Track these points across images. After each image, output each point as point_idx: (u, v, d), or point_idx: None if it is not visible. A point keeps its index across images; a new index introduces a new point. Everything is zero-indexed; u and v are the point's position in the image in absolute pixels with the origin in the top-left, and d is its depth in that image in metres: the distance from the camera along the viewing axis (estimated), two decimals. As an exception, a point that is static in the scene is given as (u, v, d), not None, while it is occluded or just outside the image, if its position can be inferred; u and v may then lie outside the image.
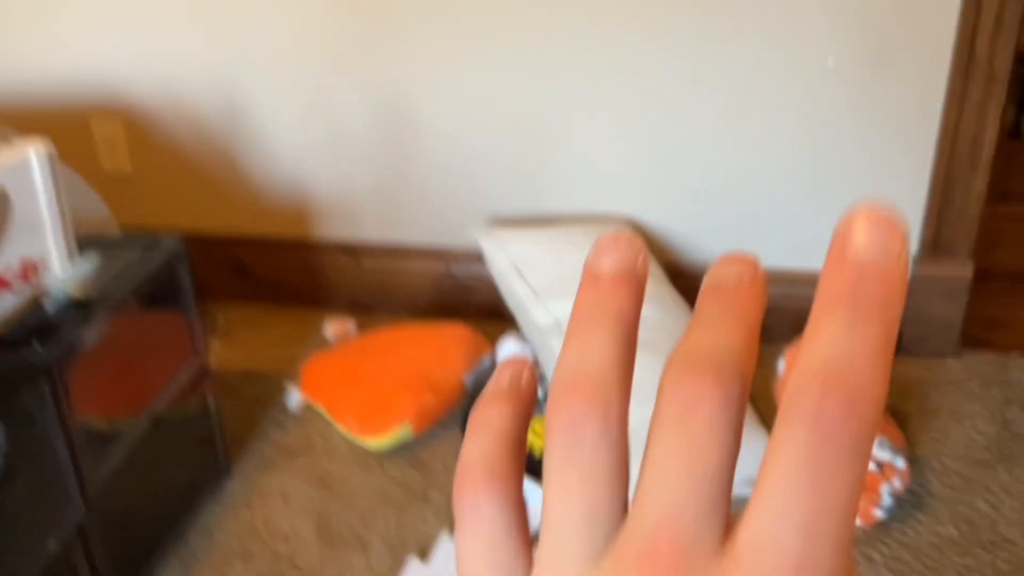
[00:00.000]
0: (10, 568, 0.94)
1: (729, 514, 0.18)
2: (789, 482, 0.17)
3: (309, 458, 1.38)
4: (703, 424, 0.18)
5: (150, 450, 1.18)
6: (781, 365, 1.36)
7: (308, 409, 1.46)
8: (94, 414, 1.08)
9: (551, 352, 1.37)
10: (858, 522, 1.18)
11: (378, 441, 1.35)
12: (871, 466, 1.16)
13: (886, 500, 1.16)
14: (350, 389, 1.42)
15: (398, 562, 1.19)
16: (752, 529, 0.18)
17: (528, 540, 0.20)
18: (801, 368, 0.18)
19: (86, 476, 1.04)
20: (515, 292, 1.46)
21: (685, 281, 1.58)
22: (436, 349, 1.48)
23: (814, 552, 0.17)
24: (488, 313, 1.63)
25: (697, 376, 0.18)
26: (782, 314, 1.60)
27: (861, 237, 0.18)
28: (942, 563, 1.16)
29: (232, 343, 1.66)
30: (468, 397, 1.45)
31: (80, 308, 1.07)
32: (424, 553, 1.20)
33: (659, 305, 1.38)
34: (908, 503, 1.24)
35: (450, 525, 1.24)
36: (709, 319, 0.20)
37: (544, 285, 1.44)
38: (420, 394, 1.39)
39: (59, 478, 1.00)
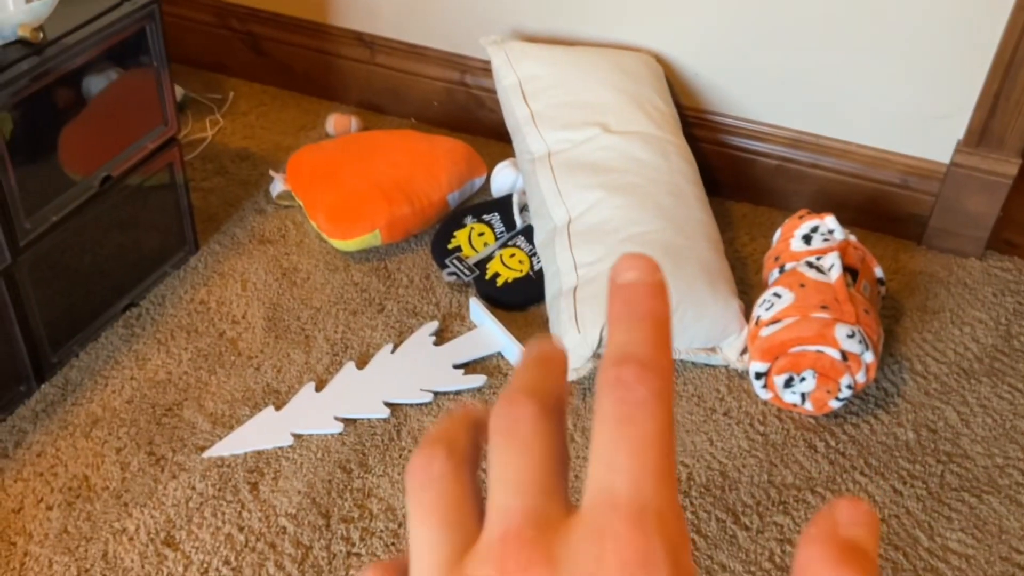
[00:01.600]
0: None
1: (568, 493, 0.22)
2: (607, 438, 0.21)
3: (279, 248, 1.36)
4: (524, 434, 0.22)
5: (103, 213, 1.16)
6: (776, 235, 1.26)
7: (289, 201, 1.43)
8: (37, 166, 1.05)
9: (537, 182, 1.29)
10: (810, 408, 1.12)
11: (345, 244, 1.32)
12: (835, 354, 1.08)
13: (844, 391, 1.10)
14: (328, 187, 1.37)
15: (336, 365, 1.18)
16: (591, 489, 0.21)
17: (479, 502, 0.23)
18: (603, 363, 0.22)
19: (15, 224, 1.03)
20: (515, 113, 1.37)
21: (702, 130, 1.46)
22: (426, 161, 1.41)
23: (641, 485, 0.21)
24: (498, 133, 1.54)
25: (628, 382, 0.22)
26: (803, 181, 1.48)
27: (624, 268, 0.23)
28: (887, 465, 1.10)
29: (235, 121, 1.62)
30: (448, 217, 1.39)
31: (29, 50, 1.02)
32: (363, 362, 1.18)
33: (661, 152, 1.28)
34: (873, 400, 1.17)
35: (396, 339, 1.22)
36: (627, 327, 0.23)
37: (544, 110, 1.34)
38: (396, 204, 1.34)
39: (-17, 221, 0.99)
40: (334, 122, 1.59)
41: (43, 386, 1.13)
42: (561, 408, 0.23)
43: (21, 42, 1.03)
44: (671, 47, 1.44)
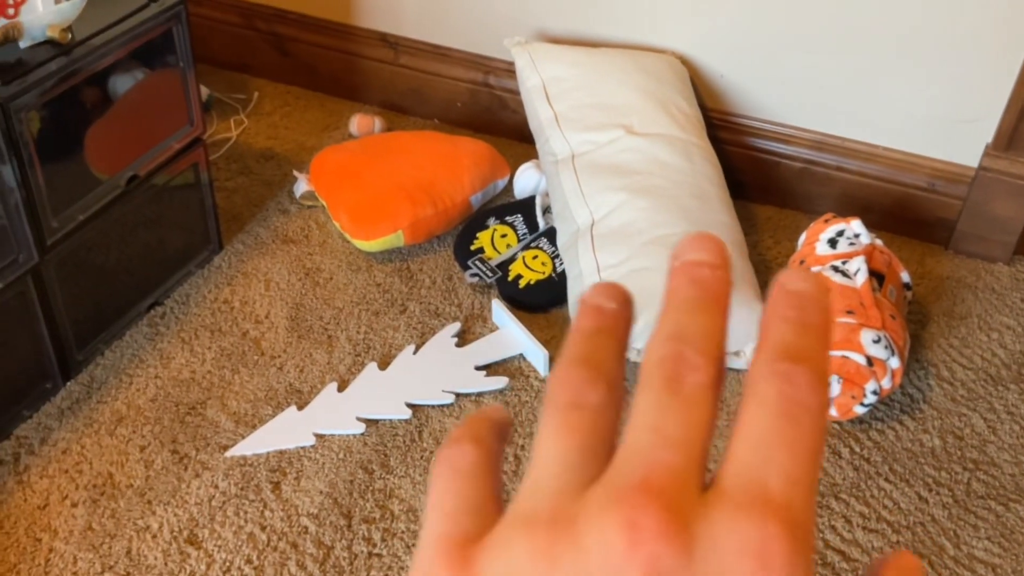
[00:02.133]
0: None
1: (706, 472, 0.20)
2: (765, 426, 0.20)
3: (302, 248, 1.36)
4: (690, 393, 0.21)
5: (129, 212, 1.17)
6: (801, 239, 1.25)
7: (312, 201, 1.44)
8: (64, 165, 1.06)
9: (560, 184, 1.29)
10: (835, 413, 1.11)
11: (368, 244, 1.32)
12: (860, 360, 1.07)
13: (869, 397, 1.08)
14: (351, 187, 1.37)
15: (358, 365, 1.18)
16: (738, 472, 0.20)
17: (500, 496, 0.22)
18: (764, 352, 0.22)
19: (43, 223, 1.04)
20: (538, 114, 1.37)
21: (727, 132, 1.45)
22: (449, 162, 1.41)
23: (793, 493, 0.20)
24: (521, 134, 1.54)
25: (684, 354, 0.21)
26: (828, 184, 1.47)
27: (789, 283, 0.23)
28: (912, 471, 1.08)
29: (260, 121, 1.62)
30: (470, 218, 1.39)
31: (57, 51, 1.03)
32: (386, 362, 1.19)
33: (685, 154, 1.27)
34: (899, 406, 1.16)
35: (418, 340, 1.22)
36: (690, 304, 0.22)
37: (568, 112, 1.34)
38: (419, 205, 1.34)
39: (12, 220, 1.00)
40: (357, 123, 1.59)
41: (68, 384, 1.14)
42: (723, 370, 0.22)
43: (50, 43, 1.03)
44: (696, 48, 1.43)
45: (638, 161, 1.24)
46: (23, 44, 1.02)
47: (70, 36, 1.04)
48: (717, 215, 1.21)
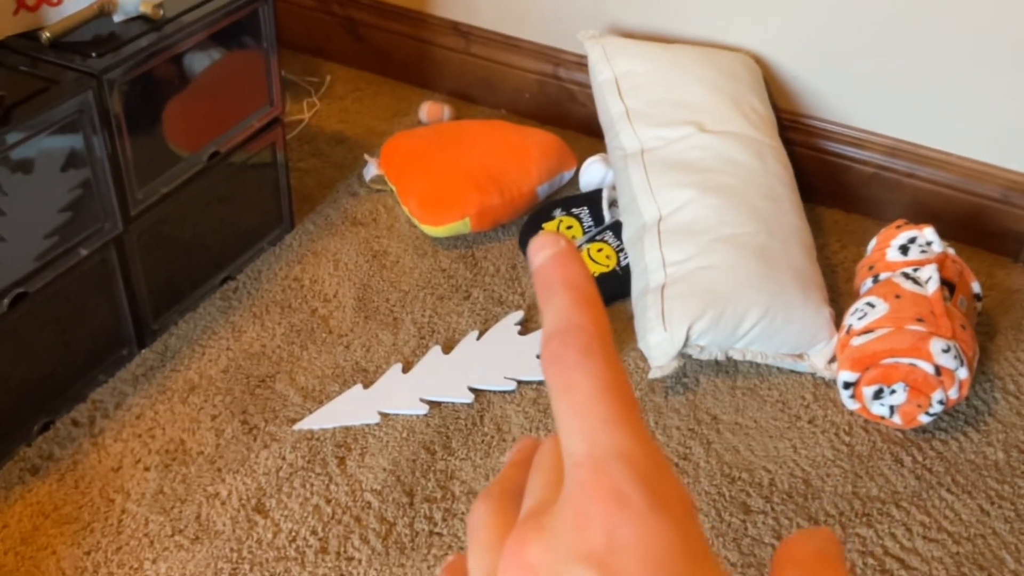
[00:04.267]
0: (43, 263, 0.99)
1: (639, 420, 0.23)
2: (558, 412, 0.23)
3: (370, 231, 1.39)
4: (577, 381, 0.23)
5: (207, 188, 1.20)
6: (871, 244, 1.24)
7: (381, 185, 1.46)
8: (150, 139, 1.09)
9: (628, 178, 1.29)
10: (899, 421, 1.11)
11: (434, 230, 1.34)
12: (928, 368, 1.06)
13: (935, 407, 1.08)
14: (421, 173, 1.39)
15: (422, 348, 1.20)
16: (567, 460, 0.22)
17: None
18: (541, 344, 0.24)
19: (129, 194, 1.07)
20: (609, 109, 1.37)
21: (798, 133, 1.45)
22: (518, 152, 1.43)
23: (595, 437, 0.22)
24: (588, 127, 1.55)
25: (557, 353, 0.23)
26: (899, 190, 1.45)
27: (533, 256, 0.25)
28: (975, 483, 1.08)
29: (332, 104, 1.65)
30: (537, 209, 1.40)
31: (149, 27, 1.06)
32: (449, 346, 1.20)
33: (757, 153, 1.27)
34: (963, 417, 1.15)
35: (481, 326, 1.24)
36: (549, 304, 0.24)
37: (641, 107, 1.34)
38: (487, 193, 1.35)
39: (99, 190, 1.03)
40: (427, 110, 1.61)
41: (144, 351, 1.17)
42: (598, 331, 0.24)
43: (142, 18, 1.07)
44: (770, 48, 1.43)
45: (709, 159, 1.25)
46: (117, 19, 1.05)
47: (162, 13, 1.07)
48: (787, 216, 1.21)
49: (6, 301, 0.96)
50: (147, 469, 1.04)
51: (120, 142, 1.03)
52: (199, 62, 1.14)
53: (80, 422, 1.08)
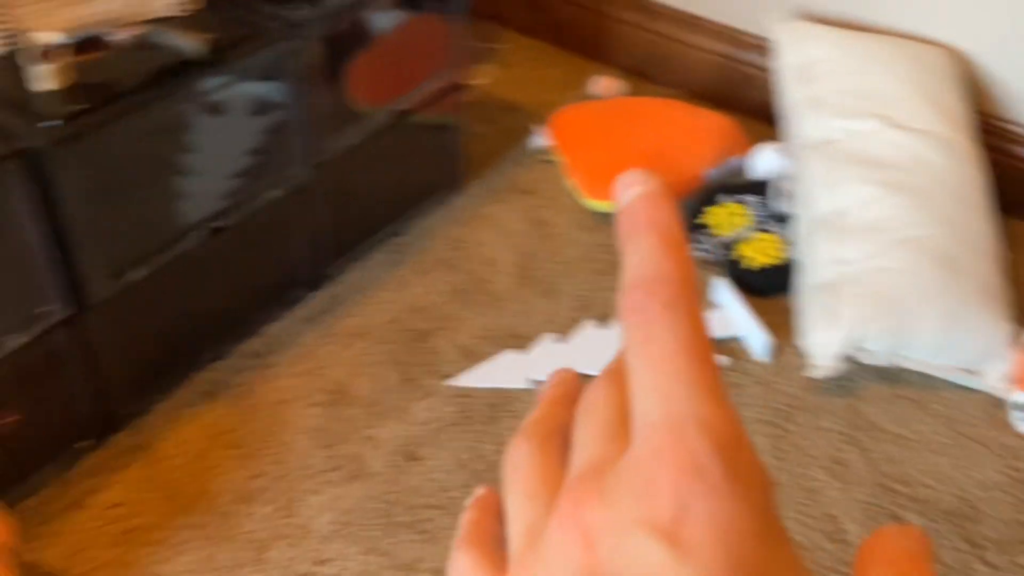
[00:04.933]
0: (237, 200, 1.05)
1: (723, 392, 0.21)
2: (634, 367, 0.21)
3: (534, 200, 1.40)
4: (659, 336, 0.21)
5: (386, 145, 1.24)
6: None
7: (547, 156, 1.47)
8: (339, 93, 1.14)
9: (805, 169, 1.26)
10: (1076, 452, 1.04)
11: (599, 204, 1.34)
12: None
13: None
14: (590, 146, 1.40)
15: (577, 320, 1.21)
16: (633, 422, 0.21)
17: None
18: (620, 293, 0.22)
19: (315, 145, 1.12)
20: (790, 95, 1.33)
21: (995, 138, 1.37)
22: (688, 134, 1.41)
23: (674, 398, 0.20)
24: (763, 113, 1.51)
25: (639, 303, 0.21)
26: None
27: (619, 192, 0.23)
28: None
29: (506, 72, 1.67)
30: (701, 192, 1.38)
31: (352, -14, 1.10)
32: (604, 322, 1.21)
33: (950, 154, 1.21)
34: None
35: (640, 304, 1.23)
36: (633, 247, 0.22)
37: (826, 96, 1.30)
38: (655, 172, 1.34)
39: (292, 138, 1.08)
40: (601, 84, 1.61)
41: (315, 294, 1.23)
42: (686, 287, 0.22)
43: (346, -24, 1.11)
44: (976, 44, 1.35)
45: (897, 155, 1.19)
46: (324, -25, 1.10)
47: (364, -28, 1.11)
48: (978, 224, 1.15)
49: (204, 233, 1.03)
50: (311, 406, 1.09)
51: (313, 94, 1.08)
52: (390, 22, 1.17)
53: (254, 354, 1.15)
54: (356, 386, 1.12)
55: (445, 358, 1.15)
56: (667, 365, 0.21)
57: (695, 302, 0.22)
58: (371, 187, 1.27)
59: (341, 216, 1.23)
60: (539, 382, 1.12)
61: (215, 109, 0.99)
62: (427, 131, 1.32)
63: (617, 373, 0.24)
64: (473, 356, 1.16)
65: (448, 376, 1.13)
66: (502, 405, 1.10)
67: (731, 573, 0.19)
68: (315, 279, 1.23)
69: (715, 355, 0.21)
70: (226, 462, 1.02)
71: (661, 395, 0.20)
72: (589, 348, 1.16)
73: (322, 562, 0.94)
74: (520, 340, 1.18)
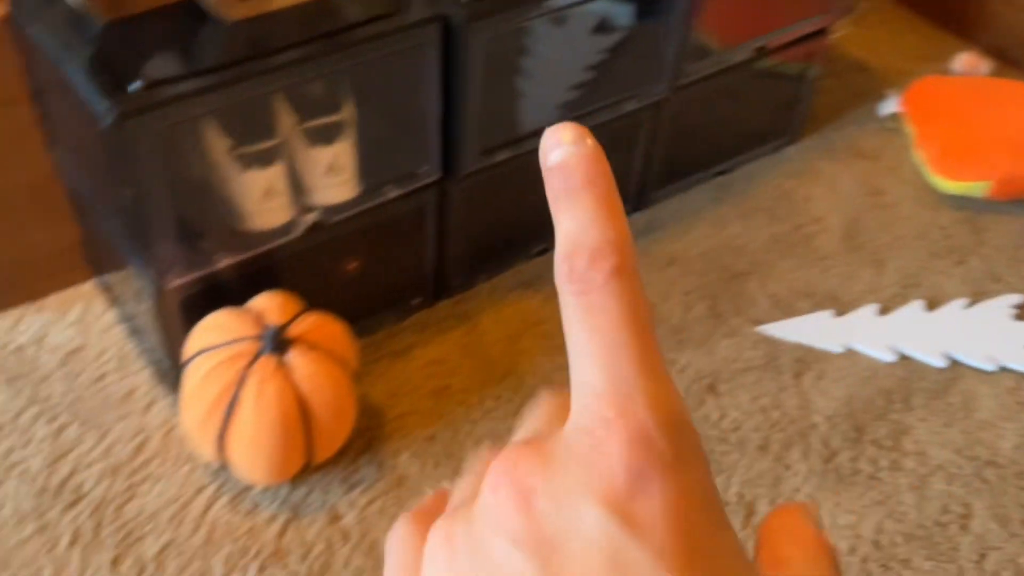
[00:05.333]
0: (599, 106, 1.08)
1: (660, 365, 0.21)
2: (578, 335, 0.20)
3: (872, 166, 1.34)
4: (598, 294, 0.20)
5: (737, 81, 1.23)
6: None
7: (895, 124, 1.39)
8: (704, 24, 1.13)
9: None
10: None
11: (947, 184, 1.26)
12: None
13: None
14: (948, 122, 1.31)
15: (901, 297, 1.16)
16: (573, 388, 0.20)
17: None
18: (556, 257, 0.21)
19: (679, 67, 1.12)
20: None
21: None
22: (1066, 127, 1.28)
23: (619, 369, 0.19)
24: None
25: (581, 271, 0.20)
26: None
27: (549, 147, 0.21)
28: None
29: (861, 32, 1.59)
30: (1070, 192, 1.26)
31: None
32: (932, 305, 1.14)
33: None
34: None
35: (971, 297, 1.16)
36: (569, 208, 0.21)
37: None
38: (1017, 163, 1.24)
39: (663, 52, 1.09)
40: (964, 61, 1.50)
41: (636, 214, 1.25)
42: (625, 255, 0.21)
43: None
44: None
45: None
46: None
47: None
48: None
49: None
50: (619, 318, 1.12)
51: (685, 27, 1.08)
52: (780, -45, 1.14)
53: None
54: (665, 309, 1.13)
55: (755, 303, 1.14)
56: (612, 336, 0.20)
57: (637, 272, 0.21)
58: (711, 121, 1.26)
59: (677, 143, 1.23)
60: (853, 350, 1.09)
61: (601, 16, 1.01)
62: (777, 76, 1.29)
63: (559, 395, 0.24)
64: (785, 307, 1.14)
65: (757, 321, 1.12)
66: (810, 362, 1.08)
67: (684, 558, 0.18)
68: (639, 200, 1.25)
69: (654, 327, 0.21)
70: (537, 349, 1.07)
71: (606, 366, 0.19)
72: (911, 328, 1.11)
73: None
74: (838, 304, 1.15)
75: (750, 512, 0.93)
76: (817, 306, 1.14)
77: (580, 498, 0.19)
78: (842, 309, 1.14)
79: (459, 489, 0.24)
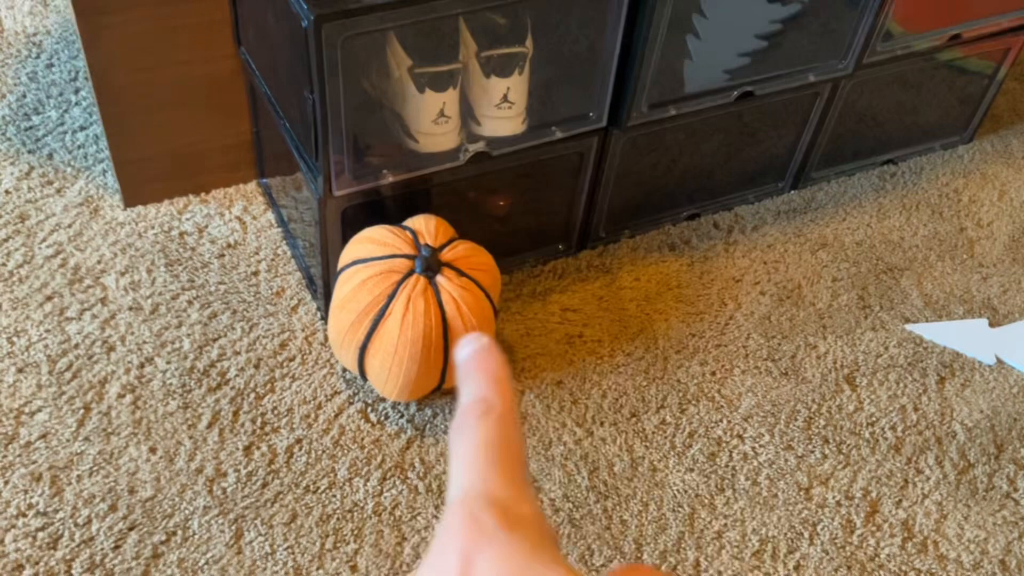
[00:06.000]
0: (775, 75, 1.05)
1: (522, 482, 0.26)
2: (451, 466, 0.27)
3: (1050, 178, 1.26)
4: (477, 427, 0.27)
5: (918, 70, 1.17)
6: None
7: (1084, 136, 1.31)
8: (899, 5, 1.08)
9: None
10: None
11: None
12: None
13: None
14: None
15: (1065, 317, 1.09)
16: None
17: None
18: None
19: (868, 45, 1.07)
20: None
21: None
22: None
23: (470, 479, 0.26)
24: None
25: (461, 417, 0.28)
26: None
27: (459, 349, 0.30)
28: None
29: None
30: None
31: None
32: (1097, 329, 1.08)
33: None
34: None
35: None
36: (466, 384, 0.29)
37: None
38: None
39: (847, 32, 1.05)
40: None
41: (791, 192, 1.21)
42: (501, 409, 0.28)
43: None
44: None
45: None
46: None
47: None
48: None
49: (733, 96, 1.04)
50: (763, 294, 1.10)
51: (880, 6, 1.03)
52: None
53: (721, 226, 1.17)
54: (812, 292, 1.10)
55: (907, 300, 1.10)
56: (470, 460, 0.26)
57: (508, 414, 0.27)
58: (886, 107, 1.20)
59: (847, 124, 1.19)
60: (1005, 363, 1.04)
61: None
62: (962, 70, 1.22)
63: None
64: (938, 309, 1.09)
65: (906, 319, 1.08)
66: (957, 369, 1.03)
67: None
68: (798, 177, 1.21)
69: (520, 450, 0.27)
70: (673, 311, 1.06)
71: (459, 478, 0.26)
72: (1071, 350, 1.05)
73: (738, 436, 0.96)
74: (994, 313, 1.09)
75: (874, 510, 0.91)
76: (971, 313, 1.09)
77: None
78: (999, 320, 1.08)
79: None
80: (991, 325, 1.08)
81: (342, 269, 0.88)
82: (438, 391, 0.92)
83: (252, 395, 0.92)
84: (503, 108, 0.92)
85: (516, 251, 1.07)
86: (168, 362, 0.95)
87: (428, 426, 0.92)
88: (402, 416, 0.92)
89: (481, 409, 0.27)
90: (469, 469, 0.26)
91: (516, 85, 0.92)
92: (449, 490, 0.27)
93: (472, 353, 0.30)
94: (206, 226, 1.07)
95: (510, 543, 0.24)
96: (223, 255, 1.04)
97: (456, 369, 0.30)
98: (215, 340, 0.96)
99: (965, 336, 1.06)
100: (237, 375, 0.94)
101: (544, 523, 0.25)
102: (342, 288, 0.86)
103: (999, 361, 1.04)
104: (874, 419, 0.98)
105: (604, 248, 1.12)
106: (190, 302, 1.00)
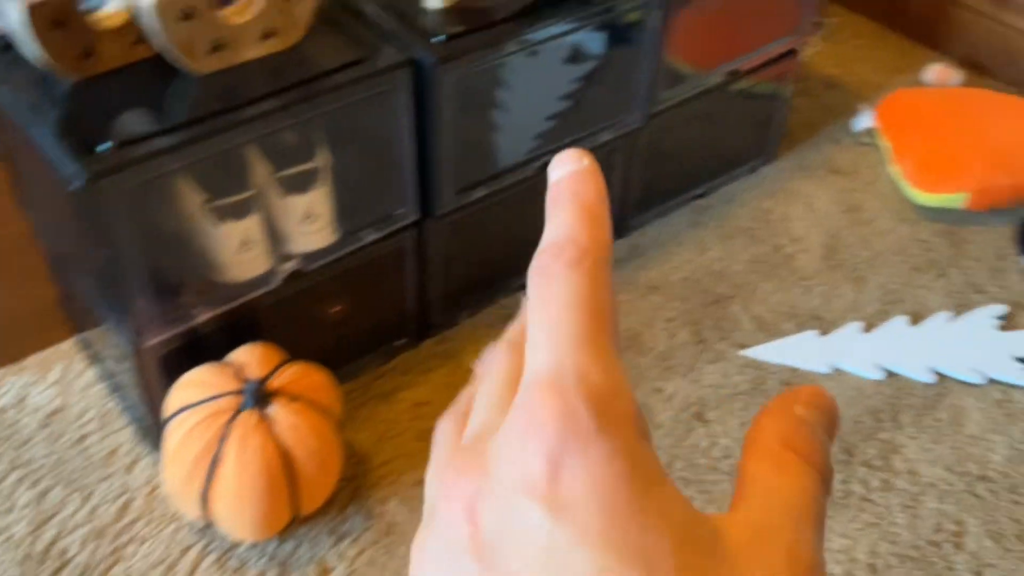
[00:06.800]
0: (573, 139, 1.08)
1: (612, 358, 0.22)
2: (531, 324, 0.22)
3: (849, 182, 1.34)
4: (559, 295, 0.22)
5: (710, 105, 1.23)
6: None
7: (870, 138, 1.40)
8: (676, 52, 1.13)
9: None
10: None
11: (924, 197, 1.27)
12: None
13: None
14: (922, 135, 1.31)
15: (883, 313, 1.16)
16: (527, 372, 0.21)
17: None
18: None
19: (656, 93, 1.12)
20: None
21: None
22: (1038, 135, 1.29)
23: (557, 353, 0.20)
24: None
25: (544, 264, 0.22)
26: None
27: (553, 167, 0.24)
28: None
29: (831, 48, 1.60)
30: (1046, 199, 1.27)
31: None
32: (915, 320, 1.15)
33: None
34: None
35: (954, 310, 1.16)
36: (553, 217, 0.24)
37: None
38: (993, 172, 1.25)
39: (637, 81, 1.09)
40: (936, 72, 1.51)
41: (619, 242, 1.25)
42: (594, 253, 0.23)
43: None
44: None
45: None
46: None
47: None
48: None
49: (537, 166, 1.06)
50: (604, 348, 1.11)
51: (655, 56, 1.08)
52: (746, -20, 1.15)
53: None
54: (650, 336, 1.13)
55: (739, 326, 1.14)
56: (559, 321, 0.21)
57: (601, 263, 0.22)
58: (686, 146, 1.26)
59: (653, 169, 1.23)
60: (840, 370, 1.09)
61: (573, 49, 1.01)
62: (750, 97, 1.29)
63: (513, 341, 0.25)
64: (769, 330, 1.14)
65: (742, 345, 1.12)
66: (797, 384, 1.07)
67: (606, 524, 0.19)
68: (618, 228, 1.25)
69: (613, 314, 0.22)
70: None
71: (547, 350, 0.21)
72: (896, 344, 1.11)
73: (604, 499, 0.96)
74: (822, 323, 1.15)
75: (744, 541, 0.93)
76: (801, 327, 1.14)
77: (513, 495, 0.20)
78: (826, 328, 1.14)
79: (429, 484, 0.26)
80: (820, 335, 1.13)
81: (168, 419, 0.85)
82: (295, 521, 0.89)
83: (98, 570, 0.87)
84: (308, 223, 0.92)
85: (358, 354, 1.06)
86: (2, 553, 0.88)
87: (291, 560, 0.89)
88: (261, 556, 0.89)
89: (571, 255, 0.22)
90: (558, 337, 0.21)
91: (317, 199, 0.91)
92: (529, 359, 0.21)
93: (567, 176, 0.24)
94: (24, 397, 1.01)
95: (606, 452, 0.19)
96: (47, 424, 0.99)
97: (547, 195, 0.24)
98: (50, 519, 0.91)
99: (799, 351, 1.11)
100: (79, 551, 0.88)
101: (644, 422, 0.21)
102: (171, 440, 0.83)
103: (835, 369, 1.09)
104: (729, 451, 1.01)
105: (444, 334, 1.12)
106: (17, 483, 0.94)
